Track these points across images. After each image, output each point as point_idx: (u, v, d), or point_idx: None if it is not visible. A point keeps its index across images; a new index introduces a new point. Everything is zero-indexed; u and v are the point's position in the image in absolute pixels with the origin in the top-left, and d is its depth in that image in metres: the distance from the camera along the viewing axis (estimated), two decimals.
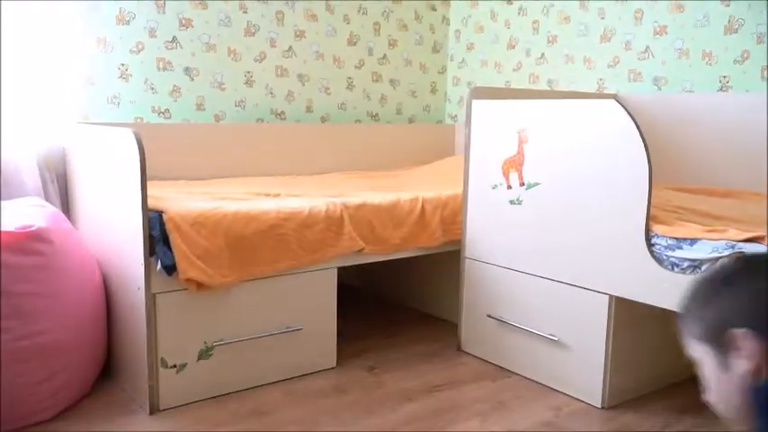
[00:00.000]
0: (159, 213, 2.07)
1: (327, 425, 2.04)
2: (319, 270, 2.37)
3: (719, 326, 0.92)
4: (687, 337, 1.00)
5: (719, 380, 0.96)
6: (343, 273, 2.52)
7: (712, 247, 1.84)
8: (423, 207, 2.60)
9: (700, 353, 0.98)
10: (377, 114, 3.76)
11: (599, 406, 2.19)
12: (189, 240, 2.06)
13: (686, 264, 1.89)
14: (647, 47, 3.00)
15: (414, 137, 3.75)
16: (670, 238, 1.95)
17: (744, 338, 0.89)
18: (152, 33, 2.95)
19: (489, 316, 2.51)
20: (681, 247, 1.92)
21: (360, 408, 2.17)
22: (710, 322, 0.95)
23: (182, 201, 2.27)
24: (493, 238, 2.51)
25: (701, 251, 1.86)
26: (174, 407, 2.13)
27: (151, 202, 2.07)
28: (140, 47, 2.93)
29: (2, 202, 2.25)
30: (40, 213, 2.12)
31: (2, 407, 1.89)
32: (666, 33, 2.92)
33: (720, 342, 0.93)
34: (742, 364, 0.91)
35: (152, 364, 2.07)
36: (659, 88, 2.98)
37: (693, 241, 1.89)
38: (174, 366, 2.12)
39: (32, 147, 2.56)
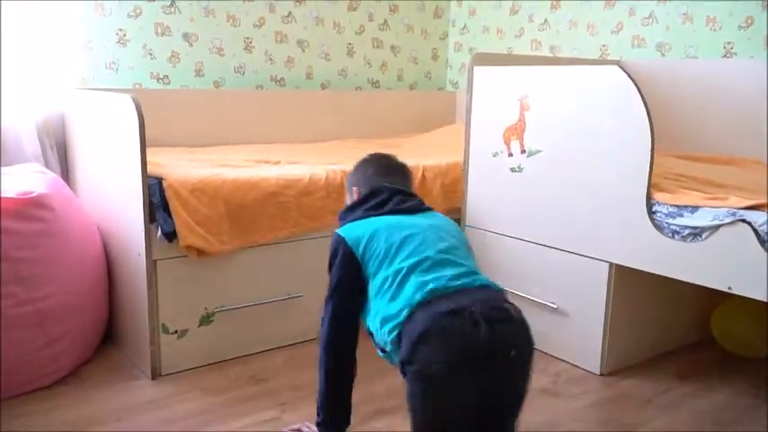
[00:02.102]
0: (159, 180, 2.06)
1: None
2: (320, 237, 2.37)
3: (350, 185, 1.75)
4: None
5: None
6: None
7: (713, 214, 1.84)
8: (423, 175, 2.59)
9: (347, 200, 1.77)
10: (377, 81, 3.72)
11: (597, 372, 2.21)
12: (189, 207, 2.06)
13: (687, 231, 1.89)
14: (651, 12, 2.95)
15: (414, 104, 3.72)
16: (671, 205, 1.95)
17: (354, 192, 1.72)
18: None
19: None
20: (682, 215, 1.91)
21: (361, 373, 2.19)
22: (348, 183, 1.77)
23: (181, 167, 2.26)
24: (493, 205, 2.50)
25: (701, 219, 1.86)
26: (176, 372, 2.15)
27: (151, 169, 2.06)
28: (138, 11, 2.89)
29: (2, 169, 2.24)
30: (40, 179, 2.12)
31: (3, 372, 1.90)
32: None
33: (351, 193, 1.74)
34: None
35: (153, 330, 2.09)
36: (663, 54, 2.94)
37: (694, 209, 1.89)
38: (176, 332, 2.14)
39: (31, 113, 2.54)
